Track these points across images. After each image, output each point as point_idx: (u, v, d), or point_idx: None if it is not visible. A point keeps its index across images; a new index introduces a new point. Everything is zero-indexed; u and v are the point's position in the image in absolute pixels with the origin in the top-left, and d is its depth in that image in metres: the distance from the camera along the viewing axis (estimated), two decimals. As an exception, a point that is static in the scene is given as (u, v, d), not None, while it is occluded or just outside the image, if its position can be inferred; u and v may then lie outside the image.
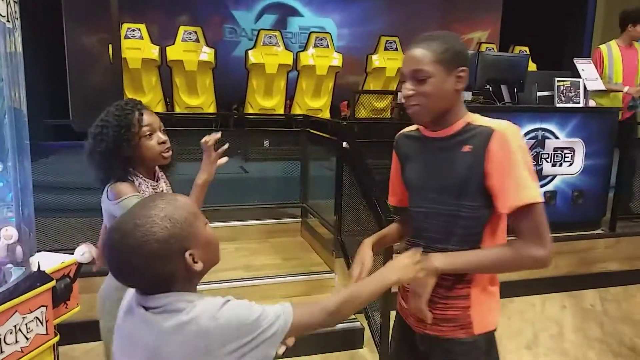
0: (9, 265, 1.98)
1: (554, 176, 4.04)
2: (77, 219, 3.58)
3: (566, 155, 4.04)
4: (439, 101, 1.32)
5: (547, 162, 3.98)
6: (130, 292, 1.06)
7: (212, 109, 5.89)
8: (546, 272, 3.99)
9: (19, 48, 1.97)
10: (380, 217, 2.68)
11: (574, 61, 4.22)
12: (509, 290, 3.55)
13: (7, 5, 1.79)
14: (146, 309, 0.98)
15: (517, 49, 7.23)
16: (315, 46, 6.12)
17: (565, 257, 4.07)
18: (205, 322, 0.93)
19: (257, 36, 6.04)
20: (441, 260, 1.30)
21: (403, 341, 1.51)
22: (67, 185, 3.95)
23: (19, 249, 2.01)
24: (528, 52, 7.24)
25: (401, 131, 1.56)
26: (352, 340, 3.04)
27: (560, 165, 4.04)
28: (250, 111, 5.94)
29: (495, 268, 1.35)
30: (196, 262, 0.98)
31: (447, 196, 1.34)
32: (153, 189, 1.72)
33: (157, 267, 0.95)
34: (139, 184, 1.67)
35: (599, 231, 4.29)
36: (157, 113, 1.81)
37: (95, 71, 6.63)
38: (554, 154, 4.00)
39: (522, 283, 3.64)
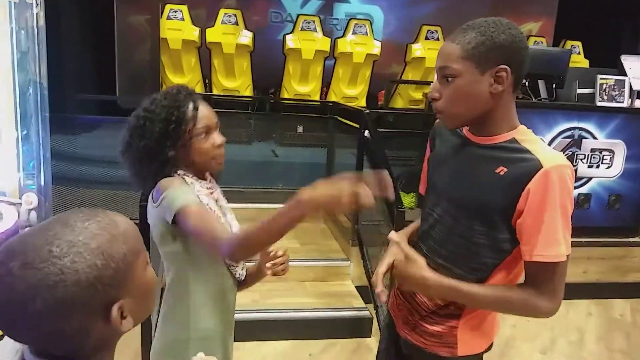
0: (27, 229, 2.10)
1: (590, 178, 3.86)
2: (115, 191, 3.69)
3: (604, 157, 3.84)
4: (468, 106, 1.14)
5: (582, 162, 3.81)
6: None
7: (248, 92, 5.95)
8: (574, 277, 3.81)
9: (41, 23, 2.06)
10: (392, 208, 2.66)
11: (621, 58, 3.98)
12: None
13: (28, -18, 1.88)
14: None
15: (569, 43, 6.89)
16: (354, 33, 6.05)
17: (596, 264, 3.90)
18: None
19: (296, 21, 6.03)
20: (436, 280, 1.17)
21: (392, 341, 1.45)
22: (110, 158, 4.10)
23: (33, 214, 2.13)
24: (580, 48, 6.90)
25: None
26: (360, 328, 3.03)
27: (598, 167, 3.85)
28: (286, 96, 5.96)
29: (493, 308, 1.24)
30: (124, 318, 0.70)
31: (463, 213, 1.20)
32: (209, 191, 1.33)
33: (65, 321, 0.65)
34: (192, 182, 1.29)
35: (636, 239, 4.08)
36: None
37: (141, 50, 6.82)
38: (591, 155, 3.81)
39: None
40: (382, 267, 1.26)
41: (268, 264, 1.40)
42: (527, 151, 1.12)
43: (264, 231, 1.11)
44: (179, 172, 1.28)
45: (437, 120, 1.34)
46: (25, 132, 2.11)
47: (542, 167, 1.08)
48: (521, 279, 1.21)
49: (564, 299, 3.70)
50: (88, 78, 6.39)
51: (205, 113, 1.28)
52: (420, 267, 1.19)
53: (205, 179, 1.35)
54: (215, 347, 1.35)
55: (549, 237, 1.10)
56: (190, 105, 1.26)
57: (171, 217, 1.19)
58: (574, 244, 3.71)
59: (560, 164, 1.10)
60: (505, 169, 1.13)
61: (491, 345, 1.33)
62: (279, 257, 1.40)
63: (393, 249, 1.28)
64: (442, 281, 1.18)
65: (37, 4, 2.06)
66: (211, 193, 1.34)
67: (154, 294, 0.79)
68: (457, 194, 1.21)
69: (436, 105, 1.18)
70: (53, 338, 0.67)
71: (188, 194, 1.23)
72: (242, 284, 1.46)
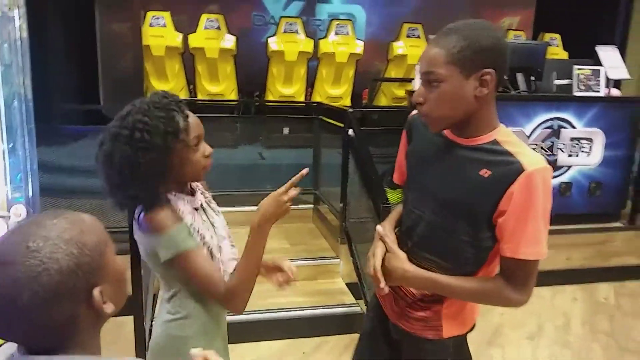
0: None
1: (570, 167, 3.95)
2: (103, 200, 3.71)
3: (584, 145, 3.93)
4: (453, 110, 1.16)
5: (562, 152, 3.90)
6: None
7: (233, 95, 5.99)
8: (558, 264, 3.92)
9: (24, 35, 2.09)
10: (378, 205, 2.72)
11: (596, 48, 4.08)
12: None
13: (8, -4, 1.90)
14: None
15: (548, 36, 7.01)
16: (337, 33, 6.11)
17: (579, 250, 3.99)
18: None
19: (279, 23, 6.08)
20: (415, 274, 1.25)
21: (378, 324, 1.51)
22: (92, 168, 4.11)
23: (22, 225, 2.15)
24: (559, 40, 7.02)
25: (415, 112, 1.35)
26: (352, 324, 3.08)
27: (577, 155, 3.94)
28: (270, 98, 6.01)
29: (469, 299, 1.31)
30: (105, 302, 0.75)
31: (445, 212, 1.24)
32: (190, 204, 1.30)
33: (54, 309, 0.69)
34: (175, 202, 1.26)
35: (617, 224, 4.18)
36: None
37: (124, 58, 6.83)
38: (571, 144, 3.90)
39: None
40: (378, 262, 1.29)
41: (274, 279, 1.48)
42: (509, 154, 1.17)
43: (247, 270, 1.25)
44: (162, 187, 1.23)
45: (412, 113, 1.39)
46: (11, 145, 2.13)
47: (524, 170, 1.13)
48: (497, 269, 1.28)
49: (550, 285, 3.80)
50: (71, 88, 6.38)
51: (195, 122, 1.25)
52: (401, 260, 1.26)
53: (184, 191, 1.31)
54: (215, 342, 1.38)
55: (532, 238, 1.15)
56: (180, 115, 1.21)
57: (165, 258, 1.21)
58: (557, 232, 3.80)
59: (542, 167, 1.15)
60: (489, 172, 1.17)
61: (474, 325, 1.40)
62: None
63: (380, 242, 1.33)
64: (421, 274, 1.25)
65: (20, 17, 2.09)
66: (196, 209, 1.31)
67: (126, 281, 0.85)
68: (441, 195, 1.25)
69: (421, 110, 1.20)
70: (44, 330, 0.70)
71: (181, 237, 1.21)
72: None
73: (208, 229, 1.32)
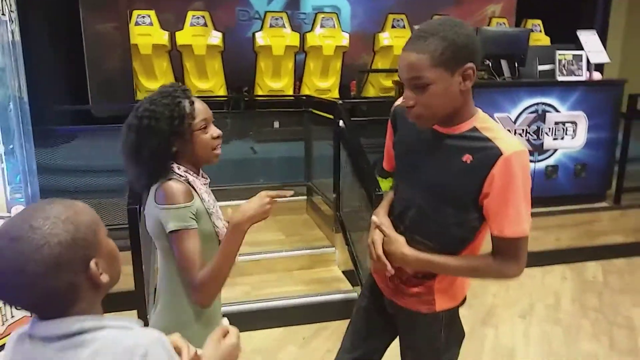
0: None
1: (556, 150, 4.05)
2: (96, 199, 3.75)
3: (568, 128, 4.03)
4: (444, 106, 1.24)
5: (547, 135, 4.00)
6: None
7: (222, 92, 6.01)
8: (548, 245, 4.03)
9: (17, 38, 2.13)
10: (371, 193, 2.79)
11: (577, 33, 4.17)
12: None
13: (2, 1, 1.94)
14: (41, 340, 0.83)
15: (530, 22, 7.11)
16: (322, 26, 6.15)
17: (567, 230, 4.11)
18: None
19: (264, 18, 6.11)
20: (414, 256, 1.33)
21: (374, 299, 1.59)
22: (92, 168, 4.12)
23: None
24: (541, 26, 7.13)
25: (401, 102, 1.37)
26: (349, 310, 3.13)
27: (562, 138, 4.04)
28: (260, 93, 6.04)
29: (466, 275, 1.41)
30: (101, 274, 0.85)
31: (434, 198, 1.33)
32: (206, 187, 1.44)
33: (57, 277, 0.79)
34: (193, 180, 1.38)
35: (603, 204, 4.30)
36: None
37: (112, 57, 6.81)
38: (555, 127, 4.00)
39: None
40: (379, 250, 1.37)
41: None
42: (488, 139, 1.25)
43: (220, 266, 1.30)
44: (180, 167, 1.36)
45: (395, 104, 1.48)
46: (10, 147, 2.17)
47: (502, 154, 1.21)
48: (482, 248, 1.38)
49: (541, 265, 3.91)
50: (60, 89, 6.36)
51: (201, 107, 1.37)
52: (400, 244, 1.35)
53: (198, 174, 1.43)
54: (216, 322, 1.44)
55: (514, 217, 1.24)
56: (187, 101, 1.34)
57: (171, 229, 1.30)
58: (546, 214, 3.93)
59: (519, 151, 1.23)
60: (471, 157, 1.25)
61: (465, 299, 1.48)
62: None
63: (377, 230, 1.41)
64: (419, 256, 1.34)
65: (12, 20, 2.12)
66: (207, 187, 1.44)
67: (119, 261, 0.94)
68: (429, 182, 1.33)
69: (412, 112, 1.26)
70: (50, 297, 0.81)
71: (188, 215, 1.31)
72: None
73: (218, 212, 1.42)
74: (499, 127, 1.30)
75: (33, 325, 0.84)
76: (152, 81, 5.77)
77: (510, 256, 1.28)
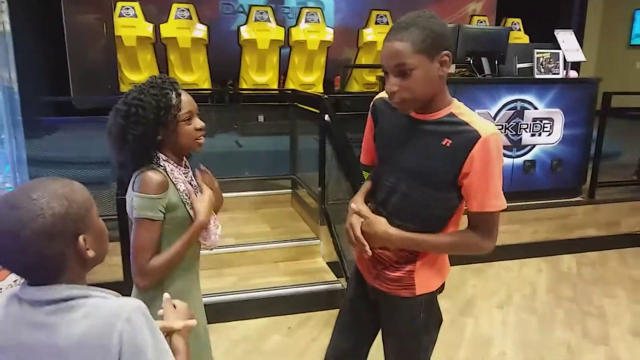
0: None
1: (534, 146, 4.18)
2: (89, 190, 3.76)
3: (545, 125, 4.16)
4: (425, 91, 1.32)
5: (526, 132, 4.12)
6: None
7: (206, 85, 6.01)
8: (524, 238, 4.17)
9: (8, 28, 2.14)
10: (356, 186, 2.86)
11: (555, 32, 4.30)
12: (487, 256, 3.74)
13: (-6, -9, 1.95)
14: (30, 303, 0.91)
15: (510, 21, 7.25)
16: (307, 21, 6.19)
17: (543, 224, 4.24)
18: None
19: (249, 12, 6.12)
20: (397, 235, 1.42)
21: (358, 288, 1.68)
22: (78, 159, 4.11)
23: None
24: (521, 25, 7.28)
25: (381, 95, 1.51)
26: (333, 300, 3.24)
27: (540, 135, 4.17)
28: (244, 87, 6.07)
29: (446, 251, 1.51)
30: (88, 250, 0.94)
31: (417, 182, 1.40)
32: (185, 176, 1.52)
33: (47, 246, 0.87)
34: (171, 170, 1.47)
35: (578, 198, 4.45)
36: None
37: (94, 49, 6.75)
38: (533, 124, 4.13)
39: (500, 249, 3.82)
40: (357, 230, 1.46)
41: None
42: (465, 123, 1.35)
43: (173, 257, 1.45)
44: (162, 156, 1.45)
45: (376, 98, 1.57)
46: (1, 137, 2.18)
47: (480, 136, 1.32)
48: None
49: (518, 258, 4.04)
50: (42, 80, 6.29)
51: (187, 100, 1.46)
52: (383, 224, 1.44)
53: (181, 164, 1.53)
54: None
55: (494, 193, 1.35)
56: (174, 93, 1.42)
57: (134, 216, 1.42)
58: (523, 207, 4.07)
59: (495, 133, 1.34)
60: (450, 141, 1.35)
61: (444, 284, 1.57)
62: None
63: (355, 215, 1.48)
64: (402, 234, 1.43)
65: (3, 11, 2.13)
66: (186, 178, 1.53)
67: (107, 240, 1.02)
68: (410, 166, 1.42)
69: (396, 96, 1.33)
70: (40, 263, 0.89)
71: (156, 207, 1.41)
72: None
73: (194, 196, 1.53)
74: (473, 112, 1.40)
75: (23, 289, 0.92)
76: (136, 73, 5.75)
77: (485, 231, 1.39)
